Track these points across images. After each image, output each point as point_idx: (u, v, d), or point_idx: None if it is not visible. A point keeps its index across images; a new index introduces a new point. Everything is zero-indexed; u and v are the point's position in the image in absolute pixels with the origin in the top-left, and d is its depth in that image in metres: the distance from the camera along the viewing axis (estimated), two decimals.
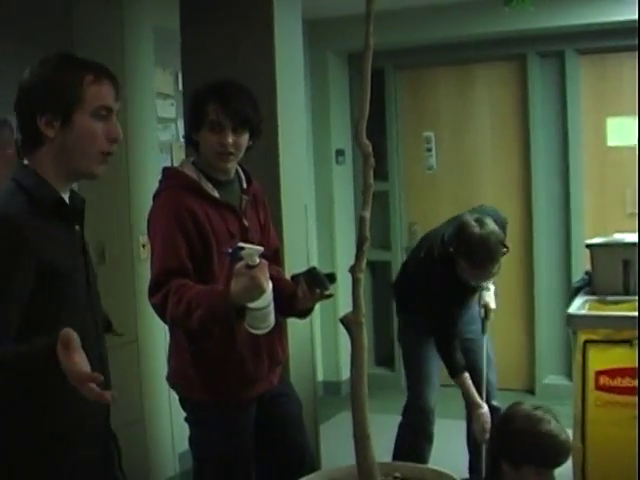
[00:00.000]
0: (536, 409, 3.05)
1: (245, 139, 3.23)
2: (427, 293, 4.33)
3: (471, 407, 4.27)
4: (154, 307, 3.11)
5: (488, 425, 4.10)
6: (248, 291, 2.79)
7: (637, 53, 5.52)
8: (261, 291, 2.80)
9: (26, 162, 2.29)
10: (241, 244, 2.80)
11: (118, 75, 4.74)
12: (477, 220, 4.09)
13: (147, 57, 5.03)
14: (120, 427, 4.81)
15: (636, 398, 3.88)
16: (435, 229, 4.60)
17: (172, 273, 3.05)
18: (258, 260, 2.78)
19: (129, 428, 4.95)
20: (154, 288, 3.09)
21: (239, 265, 2.79)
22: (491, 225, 4.08)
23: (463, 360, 4.29)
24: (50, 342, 2.02)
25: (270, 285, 2.87)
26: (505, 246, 4.17)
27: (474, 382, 4.32)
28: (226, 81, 3.28)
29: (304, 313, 3.37)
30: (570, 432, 4.02)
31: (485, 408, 4.22)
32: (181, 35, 4.49)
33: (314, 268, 3.27)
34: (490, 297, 4.64)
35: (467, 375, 4.26)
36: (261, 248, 2.81)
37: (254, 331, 2.95)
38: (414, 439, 4.54)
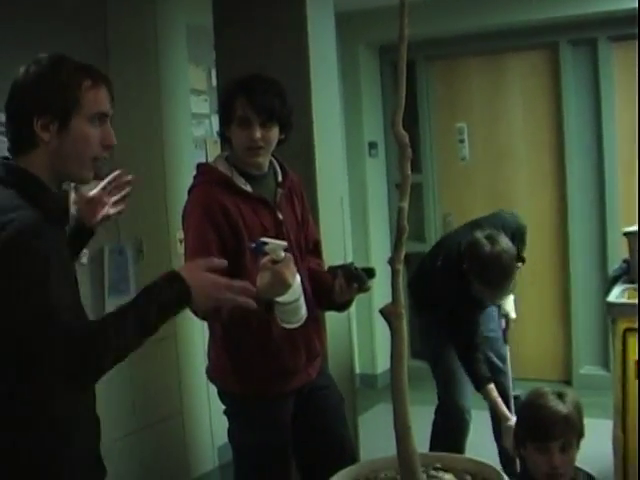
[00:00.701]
0: (552, 391, 2.98)
1: (274, 133, 3.22)
2: (446, 306, 4.30)
3: (500, 419, 4.21)
4: None
5: None
6: (273, 286, 2.80)
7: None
8: (286, 286, 2.80)
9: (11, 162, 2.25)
10: (264, 239, 2.80)
11: (152, 72, 4.87)
12: (488, 237, 4.03)
13: (181, 54, 5.07)
14: (158, 421, 4.91)
15: None
16: (453, 233, 4.58)
17: None
18: (283, 255, 2.79)
19: (168, 422, 5.01)
20: None
21: (264, 260, 2.80)
22: (503, 242, 4.01)
23: (488, 372, 4.26)
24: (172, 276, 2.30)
25: (298, 279, 2.87)
26: (521, 259, 4.14)
27: (495, 382, 4.31)
28: (253, 75, 3.27)
29: (343, 306, 3.38)
30: (610, 422, 4.05)
31: (513, 420, 4.10)
32: (214, 32, 4.52)
33: (352, 263, 3.28)
34: (510, 306, 4.64)
35: (492, 387, 4.21)
36: (285, 243, 2.81)
37: (286, 325, 2.96)
38: (451, 437, 4.49)
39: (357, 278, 3.15)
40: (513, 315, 4.66)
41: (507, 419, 4.14)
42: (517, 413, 3.10)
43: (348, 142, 6.75)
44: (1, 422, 2.17)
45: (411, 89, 6.70)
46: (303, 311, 2.95)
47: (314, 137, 4.28)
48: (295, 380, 3.36)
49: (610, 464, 4.08)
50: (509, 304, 4.65)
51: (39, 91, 2.19)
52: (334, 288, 3.19)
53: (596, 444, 3.87)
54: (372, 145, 6.96)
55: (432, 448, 4.49)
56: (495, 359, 4.52)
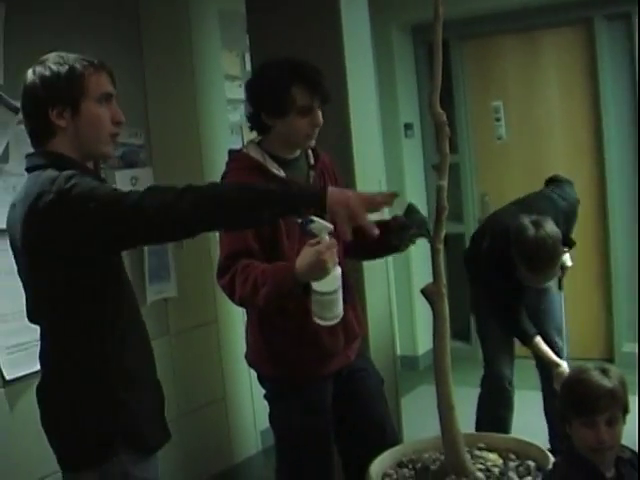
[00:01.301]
0: (595, 367, 2.95)
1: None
2: (490, 287, 4.37)
3: (550, 367, 4.28)
4: (223, 289, 3.16)
5: None
6: (312, 268, 2.81)
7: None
8: (325, 269, 2.80)
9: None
10: (313, 217, 2.79)
11: (187, 59, 4.89)
12: (534, 223, 4.03)
13: (214, 40, 5.07)
14: (201, 406, 4.95)
15: None
16: (500, 212, 4.58)
17: (238, 255, 3.09)
18: (327, 238, 2.80)
19: (210, 407, 5.04)
20: (222, 271, 3.14)
21: (311, 241, 2.82)
22: (548, 227, 4.01)
23: (533, 327, 4.31)
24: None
25: (338, 270, 2.87)
26: (567, 244, 4.15)
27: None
28: (298, 62, 3.21)
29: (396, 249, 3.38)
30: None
31: (564, 365, 4.23)
32: (247, 17, 4.51)
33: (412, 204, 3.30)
34: (565, 256, 4.59)
35: (539, 339, 4.28)
36: (331, 226, 2.78)
37: (320, 322, 2.96)
38: (494, 409, 4.56)
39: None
40: (569, 263, 4.68)
41: (558, 365, 4.24)
42: (560, 391, 3.07)
43: (384, 124, 6.72)
44: (76, 372, 2.47)
45: (445, 69, 6.53)
46: (339, 309, 2.94)
47: (351, 121, 4.27)
48: (333, 363, 3.36)
49: None
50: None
51: (49, 86, 2.47)
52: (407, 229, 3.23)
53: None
54: (408, 126, 6.94)
55: (477, 421, 4.55)
56: (557, 339, 4.57)
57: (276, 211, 2.50)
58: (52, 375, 2.54)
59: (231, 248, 3.11)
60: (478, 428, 4.46)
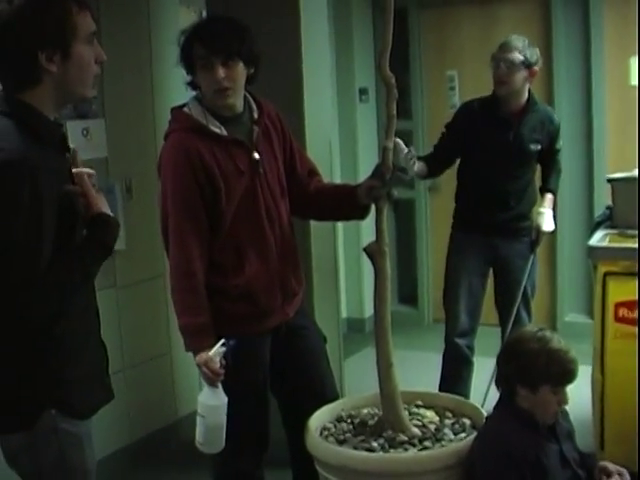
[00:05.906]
0: (541, 330, 3.10)
1: (239, 70, 3.22)
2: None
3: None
4: (165, 246, 3.38)
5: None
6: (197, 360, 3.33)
7: None
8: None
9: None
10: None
11: (143, 15, 4.85)
12: None
13: None
14: (147, 360, 4.94)
15: None
16: None
17: (188, 231, 3.23)
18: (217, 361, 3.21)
19: (156, 361, 5.06)
20: (168, 236, 3.33)
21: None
22: None
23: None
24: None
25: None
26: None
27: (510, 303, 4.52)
28: (210, 18, 3.34)
29: (364, 212, 3.43)
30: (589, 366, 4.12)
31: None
32: None
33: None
34: (543, 219, 4.66)
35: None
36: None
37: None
38: (452, 365, 4.62)
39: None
40: (544, 228, 4.66)
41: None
42: (520, 353, 3.11)
43: (339, 88, 6.77)
44: (9, 343, 2.31)
45: (403, 37, 6.70)
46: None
47: (303, 82, 4.30)
48: (271, 320, 3.40)
49: (589, 405, 4.16)
50: (542, 217, 4.67)
51: (36, 26, 2.25)
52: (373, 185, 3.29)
53: (579, 389, 3.95)
54: (363, 91, 6.97)
55: (440, 378, 4.62)
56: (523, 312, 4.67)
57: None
58: None
59: (178, 220, 3.27)
60: (440, 386, 4.54)
